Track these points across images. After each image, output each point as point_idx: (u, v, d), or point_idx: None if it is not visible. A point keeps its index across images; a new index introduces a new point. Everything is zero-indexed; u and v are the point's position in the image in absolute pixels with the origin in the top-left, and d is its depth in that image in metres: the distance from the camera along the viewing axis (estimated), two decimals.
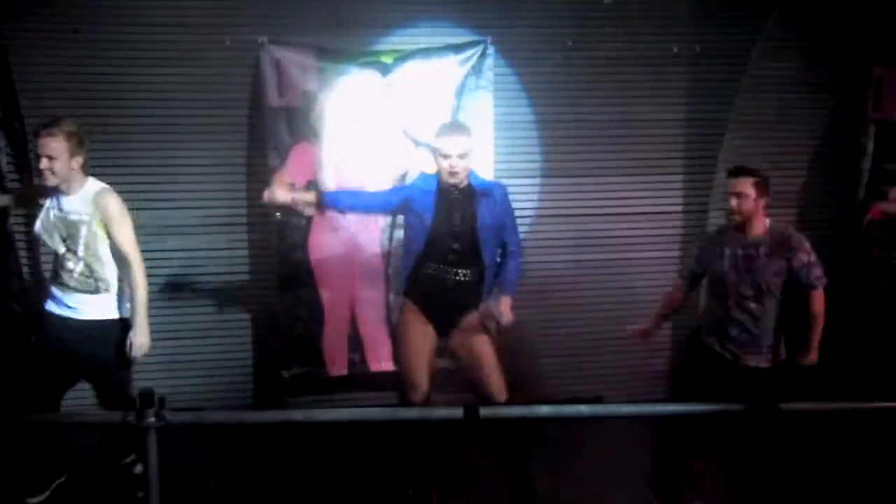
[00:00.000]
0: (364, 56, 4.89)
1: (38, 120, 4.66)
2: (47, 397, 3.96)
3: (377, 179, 4.93)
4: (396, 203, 4.26)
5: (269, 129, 4.84)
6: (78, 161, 3.85)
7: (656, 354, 5.42)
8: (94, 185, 3.92)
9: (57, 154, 3.77)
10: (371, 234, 4.99)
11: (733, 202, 3.89)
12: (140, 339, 3.91)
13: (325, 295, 4.99)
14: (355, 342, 5.06)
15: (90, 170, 3.96)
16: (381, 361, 5.06)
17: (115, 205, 3.88)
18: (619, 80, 5.23)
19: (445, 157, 3.98)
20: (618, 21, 5.16)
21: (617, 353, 5.36)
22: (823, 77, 5.35)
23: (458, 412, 3.20)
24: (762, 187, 3.88)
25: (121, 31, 4.75)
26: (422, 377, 4.10)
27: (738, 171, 3.95)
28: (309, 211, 4.77)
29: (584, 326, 5.43)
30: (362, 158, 4.91)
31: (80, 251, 3.86)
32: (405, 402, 4.17)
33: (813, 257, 3.87)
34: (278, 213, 4.89)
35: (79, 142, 3.85)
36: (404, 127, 4.91)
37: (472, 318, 4.07)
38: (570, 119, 5.24)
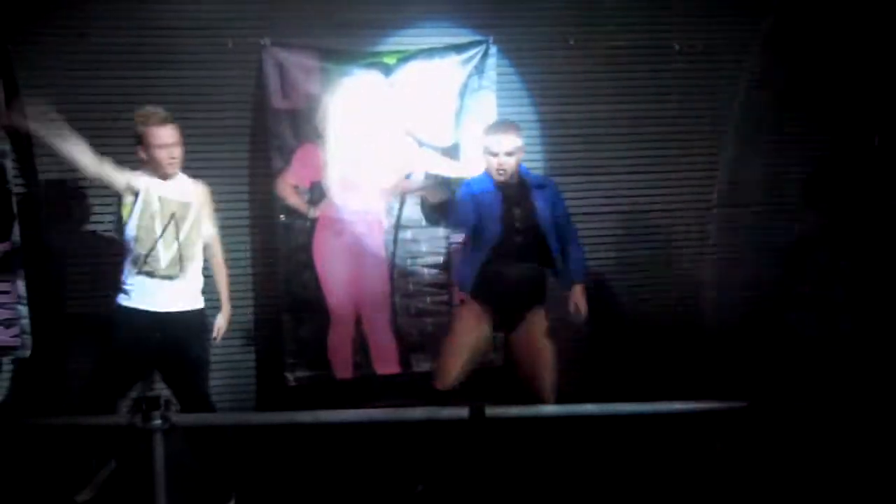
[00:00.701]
0: (367, 57, 4.91)
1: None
2: (115, 394, 4.02)
3: (381, 180, 4.94)
4: (472, 212, 4.15)
5: (272, 131, 4.86)
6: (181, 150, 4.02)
7: (663, 353, 5.41)
8: (182, 174, 4.07)
9: (178, 141, 3.96)
10: (376, 235, 4.99)
11: None
12: (225, 320, 4.21)
13: (330, 298, 4.99)
14: (361, 345, 5.06)
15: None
16: (387, 364, 5.06)
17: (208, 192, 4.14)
18: (622, 77, 5.24)
19: (494, 154, 3.99)
20: (619, 19, 5.17)
21: (623, 351, 5.35)
22: (827, 72, 5.34)
23: (463, 412, 3.20)
24: None
25: (124, 34, 4.77)
26: (454, 369, 4.12)
27: None
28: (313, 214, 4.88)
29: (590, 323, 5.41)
30: (366, 159, 4.92)
31: (182, 235, 3.96)
32: (433, 386, 4.20)
33: None
34: (282, 216, 4.90)
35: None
36: (408, 127, 4.92)
37: (536, 314, 4.11)
38: (572, 117, 5.25)
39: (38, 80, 4.71)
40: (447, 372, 4.14)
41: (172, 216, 3.95)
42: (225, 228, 5.01)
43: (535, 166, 5.23)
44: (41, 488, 4.08)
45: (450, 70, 4.92)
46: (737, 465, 4.15)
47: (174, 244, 3.95)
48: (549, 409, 3.45)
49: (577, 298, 4.13)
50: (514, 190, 4.08)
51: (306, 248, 4.94)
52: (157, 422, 3.03)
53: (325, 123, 4.85)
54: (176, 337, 3.96)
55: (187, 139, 4.86)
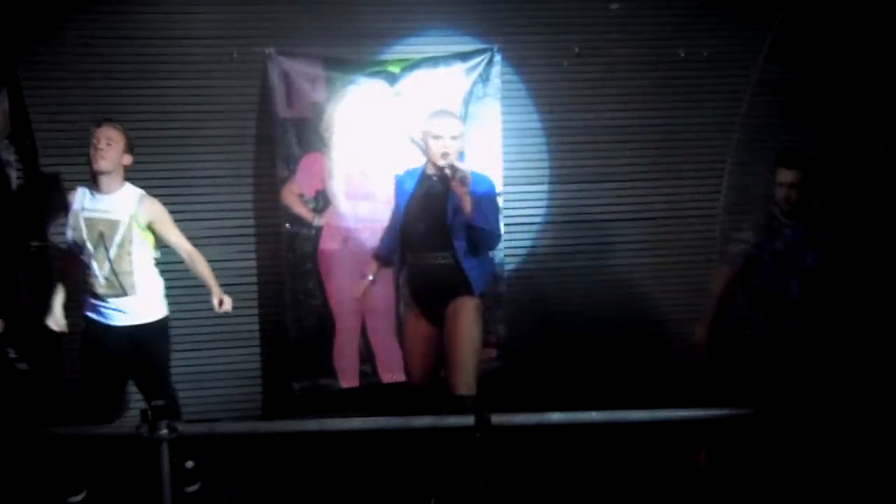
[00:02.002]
0: (371, 65, 4.91)
1: (48, 134, 4.75)
2: (106, 400, 4.02)
3: (386, 189, 4.94)
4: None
5: (277, 140, 4.86)
6: (128, 159, 3.97)
7: (666, 358, 5.39)
8: (133, 188, 4.02)
9: (114, 141, 3.90)
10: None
11: (792, 193, 3.91)
12: (218, 296, 4.19)
13: (335, 306, 4.99)
14: (366, 353, 5.06)
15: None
16: (393, 373, 5.05)
17: (160, 206, 4.05)
18: (627, 85, 5.24)
19: (437, 137, 3.90)
20: (624, 27, 5.17)
21: (626, 357, 5.33)
22: (830, 78, 5.34)
23: (468, 420, 3.19)
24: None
25: (129, 44, 4.78)
26: (415, 365, 4.09)
27: (795, 162, 3.95)
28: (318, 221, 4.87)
29: (593, 332, 5.40)
30: (371, 167, 4.92)
31: (112, 252, 3.92)
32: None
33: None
34: (288, 224, 4.90)
35: (131, 145, 3.99)
36: (412, 135, 4.92)
37: (455, 307, 3.96)
38: (577, 125, 5.25)
39: (43, 89, 4.73)
40: (411, 371, 4.13)
41: (101, 236, 3.92)
42: (230, 237, 5.06)
43: (540, 174, 5.26)
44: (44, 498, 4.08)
45: (455, 78, 4.91)
46: (739, 473, 4.13)
47: (105, 264, 3.92)
48: (555, 416, 3.43)
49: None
50: (435, 181, 3.98)
51: (311, 257, 4.94)
52: (164, 431, 3.02)
53: (330, 132, 4.86)
54: (130, 348, 4.00)
55: (192, 148, 4.93)
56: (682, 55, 5.22)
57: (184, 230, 4.88)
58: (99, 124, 3.94)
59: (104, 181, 3.94)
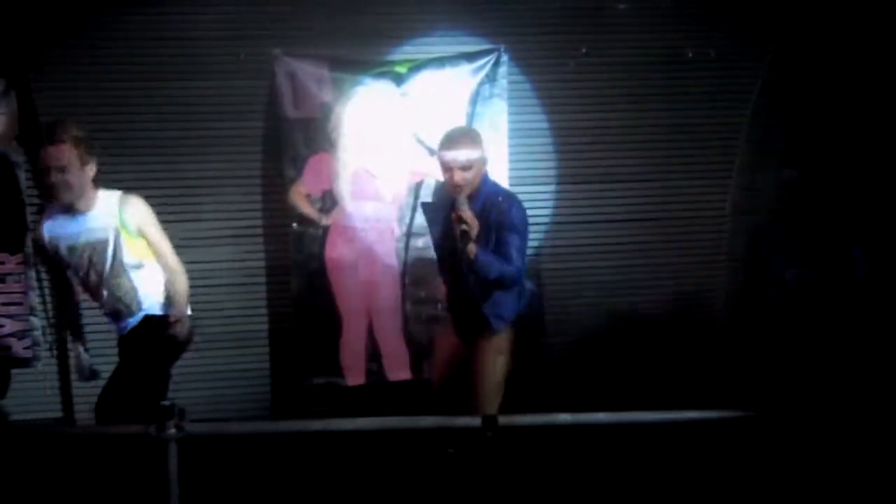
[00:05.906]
0: (378, 66, 4.92)
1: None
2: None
3: (393, 189, 4.95)
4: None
5: (284, 140, 4.87)
6: (91, 169, 3.43)
7: (669, 359, 5.38)
8: (111, 194, 3.53)
9: (68, 163, 3.34)
10: (387, 243, 5.00)
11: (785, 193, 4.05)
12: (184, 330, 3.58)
13: (342, 305, 5.00)
14: (373, 352, 5.07)
15: (106, 185, 3.76)
16: (399, 371, 5.07)
17: (146, 208, 3.52)
18: (634, 85, 5.23)
19: (447, 170, 3.72)
20: (632, 27, 5.16)
21: (636, 359, 5.33)
22: (838, 79, 5.32)
23: (476, 421, 3.19)
24: None
25: (137, 46, 4.80)
26: (436, 367, 4.13)
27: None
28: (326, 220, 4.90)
29: (600, 332, 5.40)
30: (378, 167, 4.93)
31: (107, 272, 3.47)
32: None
33: None
34: (295, 224, 4.92)
35: (88, 147, 3.41)
36: (419, 136, 4.93)
37: (483, 335, 3.84)
38: (584, 125, 5.24)
39: (52, 90, 4.75)
40: (432, 372, 4.17)
41: (90, 261, 3.46)
42: (238, 237, 5.08)
43: (547, 174, 5.26)
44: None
45: (461, 78, 4.92)
46: (749, 474, 4.13)
47: (104, 290, 3.50)
48: (563, 417, 3.43)
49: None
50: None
51: (319, 257, 4.96)
52: (172, 431, 3.03)
53: (336, 133, 4.87)
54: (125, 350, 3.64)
55: (199, 149, 4.94)
56: (690, 55, 5.21)
57: (191, 231, 4.93)
58: (42, 146, 3.32)
59: (76, 205, 3.44)
